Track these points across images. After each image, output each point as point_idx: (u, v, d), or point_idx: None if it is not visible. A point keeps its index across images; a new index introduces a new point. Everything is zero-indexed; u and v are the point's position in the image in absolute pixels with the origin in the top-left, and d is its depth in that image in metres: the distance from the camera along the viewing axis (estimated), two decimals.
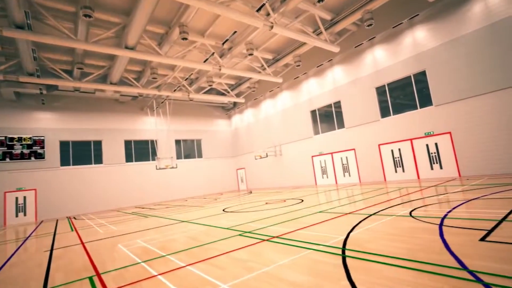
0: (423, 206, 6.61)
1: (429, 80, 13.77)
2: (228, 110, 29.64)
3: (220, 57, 17.32)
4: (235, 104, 28.50)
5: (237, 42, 16.32)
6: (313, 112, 20.25)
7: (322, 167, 19.60)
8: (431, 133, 13.78)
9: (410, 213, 5.96)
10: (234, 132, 29.09)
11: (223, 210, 11.16)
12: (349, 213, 6.89)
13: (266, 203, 11.61)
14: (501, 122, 11.47)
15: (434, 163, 13.79)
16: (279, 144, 23.06)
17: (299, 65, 18.18)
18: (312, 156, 20.25)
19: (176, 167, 21.07)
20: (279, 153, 23.02)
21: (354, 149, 17.42)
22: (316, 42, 14.95)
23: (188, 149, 26.49)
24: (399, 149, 15.15)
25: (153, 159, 23.77)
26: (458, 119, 12.80)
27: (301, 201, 10.79)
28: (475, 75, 12.17)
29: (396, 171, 15.34)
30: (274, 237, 5.27)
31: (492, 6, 11.66)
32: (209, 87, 22.94)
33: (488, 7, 11.79)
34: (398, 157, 15.22)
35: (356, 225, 5.40)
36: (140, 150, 23.61)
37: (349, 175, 17.81)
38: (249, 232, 6.04)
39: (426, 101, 14.03)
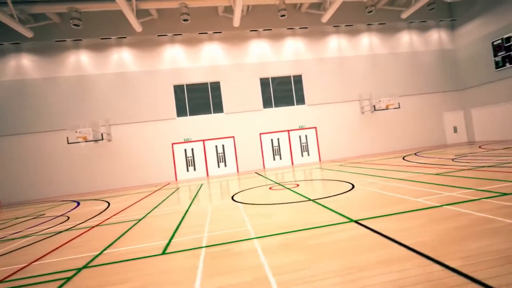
0: None
1: (304, 83, 16.94)
2: None
3: None
4: None
5: None
6: (179, 88, 15.85)
7: (188, 157, 15.69)
8: (303, 126, 16.83)
9: None
10: None
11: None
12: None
13: (270, 188, 7.76)
14: (348, 123, 17.06)
15: (304, 151, 16.84)
16: (107, 124, 14.91)
17: (186, 20, 13.82)
18: (173, 144, 15.57)
19: None
20: (106, 138, 14.82)
21: (233, 136, 16.12)
22: None
23: None
24: (278, 139, 16.61)
25: None
26: (322, 117, 16.98)
27: (352, 185, 8.58)
28: (334, 88, 17.09)
29: (274, 159, 16.52)
30: None
31: (342, 45, 17.34)
32: None
33: (340, 45, 17.34)
34: (277, 146, 16.57)
35: None
36: None
37: (225, 165, 16.04)
38: None
39: (301, 99, 16.97)
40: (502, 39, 15.48)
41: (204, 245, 3.66)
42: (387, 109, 15.89)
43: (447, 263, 2.41)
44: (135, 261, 3.38)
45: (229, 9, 15.69)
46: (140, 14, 14.82)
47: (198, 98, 16.05)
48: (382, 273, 2.38)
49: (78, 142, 13.01)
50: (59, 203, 10.76)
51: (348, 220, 3.99)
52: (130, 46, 15.39)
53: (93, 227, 5.67)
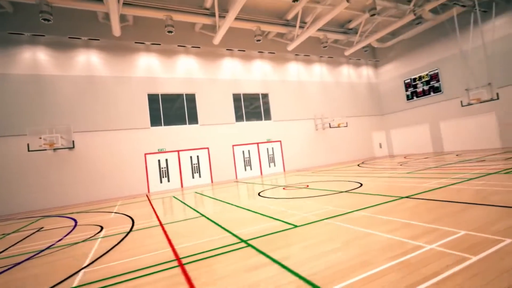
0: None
1: (270, 101, 18.87)
2: None
3: None
4: None
5: None
6: (153, 97, 15.46)
7: (162, 168, 15.21)
8: (270, 139, 18.54)
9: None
10: None
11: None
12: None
13: (284, 189, 8.92)
14: (306, 138, 19.58)
15: (271, 162, 18.46)
16: (70, 131, 13.30)
17: (171, 32, 14.10)
18: (146, 154, 14.91)
19: None
20: (66, 146, 13.13)
21: (208, 148, 16.51)
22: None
23: None
24: (249, 151, 17.80)
25: None
26: (285, 132, 19.08)
27: (359, 183, 10.17)
28: (294, 107, 19.54)
29: (245, 170, 17.55)
30: None
31: (300, 71, 20.19)
32: None
33: (299, 71, 20.16)
34: (248, 157, 17.70)
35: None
36: None
37: (199, 176, 16.16)
38: None
39: (268, 115, 18.74)
40: (410, 79, 21.01)
41: (323, 218, 4.68)
42: (339, 127, 19.21)
43: None
44: (285, 232, 4.15)
45: (206, 27, 16.51)
46: None
47: (173, 109, 15.97)
48: (475, 213, 4.00)
49: (45, 150, 11.28)
50: (36, 219, 9.20)
51: (399, 197, 5.65)
52: (100, 49, 14.38)
53: (162, 226, 5.76)
